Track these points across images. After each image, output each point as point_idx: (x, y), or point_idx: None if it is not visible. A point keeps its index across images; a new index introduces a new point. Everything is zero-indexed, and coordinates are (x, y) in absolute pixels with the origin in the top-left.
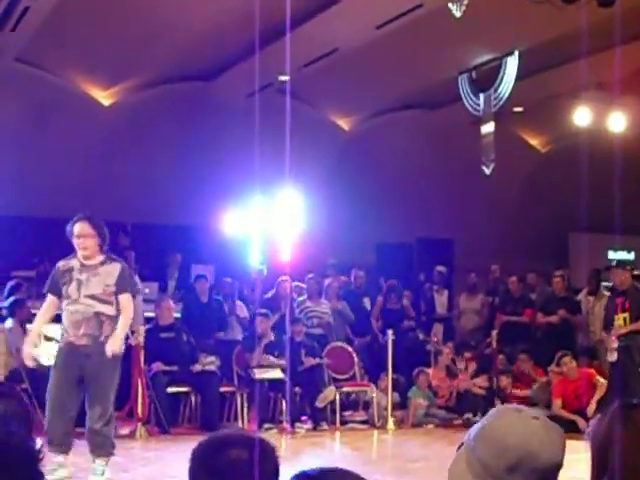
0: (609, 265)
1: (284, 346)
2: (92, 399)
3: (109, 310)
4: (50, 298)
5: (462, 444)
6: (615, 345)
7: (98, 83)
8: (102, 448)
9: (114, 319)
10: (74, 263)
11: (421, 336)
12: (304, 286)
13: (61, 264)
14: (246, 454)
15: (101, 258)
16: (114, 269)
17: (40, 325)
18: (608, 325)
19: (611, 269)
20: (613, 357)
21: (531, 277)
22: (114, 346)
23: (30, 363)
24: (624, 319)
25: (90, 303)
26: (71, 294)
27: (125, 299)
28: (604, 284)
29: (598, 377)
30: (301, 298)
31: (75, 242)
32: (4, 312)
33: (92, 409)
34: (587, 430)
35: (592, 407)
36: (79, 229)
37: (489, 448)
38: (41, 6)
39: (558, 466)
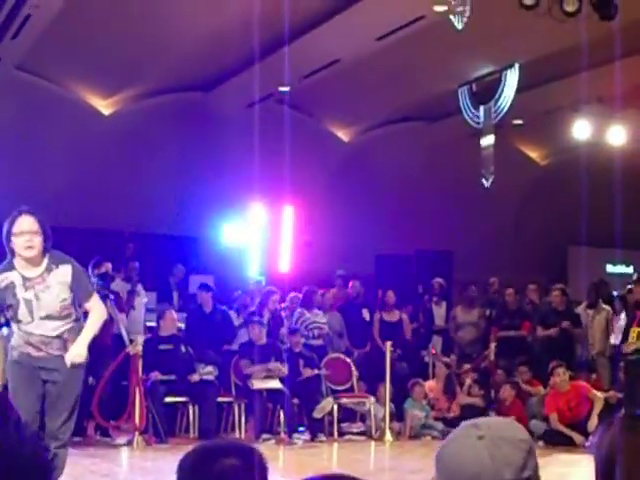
0: (635, 278)
1: (278, 352)
2: (56, 413)
3: (70, 322)
4: None
5: None
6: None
7: (98, 92)
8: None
9: (76, 327)
10: (14, 277)
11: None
12: (300, 296)
13: None
14: (233, 463)
15: (45, 263)
16: (64, 275)
17: None
18: (624, 338)
19: (637, 282)
20: None
21: (532, 289)
22: (75, 356)
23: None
24: (638, 333)
25: (48, 327)
26: (22, 318)
27: (93, 302)
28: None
29: (594, 391)
30: (299, 309)
31: (17, 242)
32: (2, 319)
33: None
34: (589, 443)
35: (593, 421)
36: (26, 224)
37: (441, 476)
38: (42, 15)
39: None
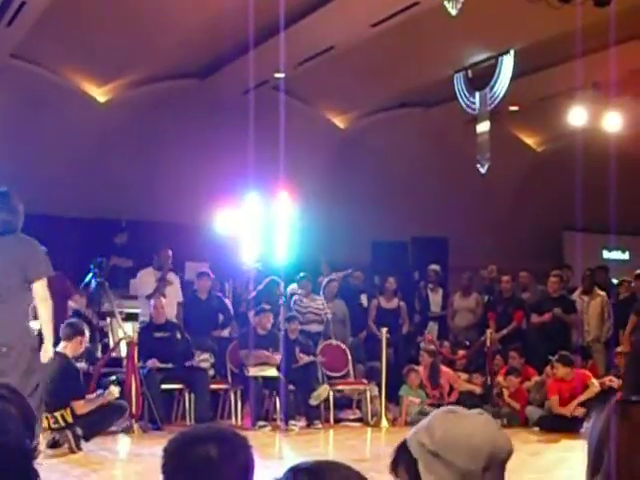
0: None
1: (277, 342)
2: None
3: None
4: None
5: (395, 461)
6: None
7: (94, 80)
8: None
9: None
10: None
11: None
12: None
13: None
14: (215, 450)
15: None
16: None
17: None
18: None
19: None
20: None
21: (523, 275)
22: None
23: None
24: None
25: None
26: None
27: None
28: None
29: (593, 380)
30: (296, 296)
31: None
32: None
33: None
34: (584, 429)
35: (571, 406)
36: None
37: (462, 454)
38: (37, 1)
39: (511, 453)
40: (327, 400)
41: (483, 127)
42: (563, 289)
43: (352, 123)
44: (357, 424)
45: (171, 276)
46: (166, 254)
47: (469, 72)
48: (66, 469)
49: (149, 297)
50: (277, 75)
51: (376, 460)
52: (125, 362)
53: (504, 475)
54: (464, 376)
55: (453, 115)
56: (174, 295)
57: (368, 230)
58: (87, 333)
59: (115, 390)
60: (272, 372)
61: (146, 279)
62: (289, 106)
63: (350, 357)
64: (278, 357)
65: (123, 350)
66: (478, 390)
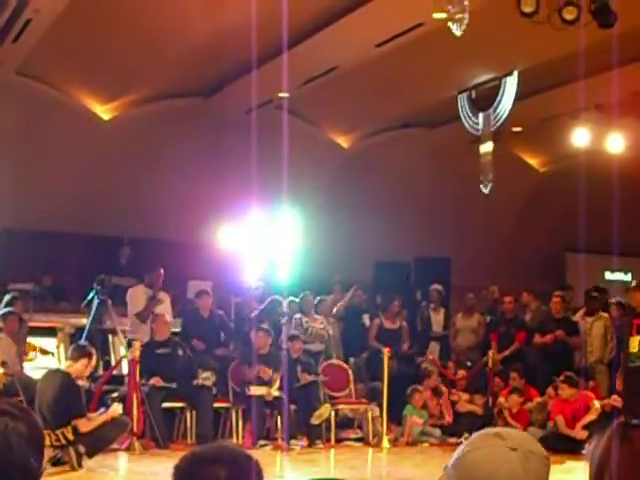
0: (628, 287)
1: (279, 361)
2: None
3: None
4: None
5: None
6: None
7: (98, 97)
8: None
9: None
10: None
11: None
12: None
13: None
14: (224, 472)
15: None
16: None
17: None
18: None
19: (629, 290)
20: None
21: (525, 296)
22: None
23: None
24: (639, 341)
25: None
26: None
27: None
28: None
29: (595, 401)
30: (298, 315)
31: None
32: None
33: None
34: (585, 450)
35: (577, 430)
36: None
37: (462, 478)
38: (43, 19)
39: None
40: (328, 420)
41: (486, 148)
42: (566, 310)
43: (355, 143)
44: (358, 444)
45: (162, 295)
46: (158, 273)
47: (473, 93)
48: None
49: (138, 315)
50: (281, 94)
51: None
52: (127, 380)
53: None
54: (465, 396)
55: (456, 136)
56: (164, 313)
57: (371, 250)
58: (95, 357)
59: (118, 407)
60: (273, 392)
61: (136, 296)
62: (292, 125)
63: (351, 377)
64: (278, 376)
65: (125, 368)
66: (479, 411)
